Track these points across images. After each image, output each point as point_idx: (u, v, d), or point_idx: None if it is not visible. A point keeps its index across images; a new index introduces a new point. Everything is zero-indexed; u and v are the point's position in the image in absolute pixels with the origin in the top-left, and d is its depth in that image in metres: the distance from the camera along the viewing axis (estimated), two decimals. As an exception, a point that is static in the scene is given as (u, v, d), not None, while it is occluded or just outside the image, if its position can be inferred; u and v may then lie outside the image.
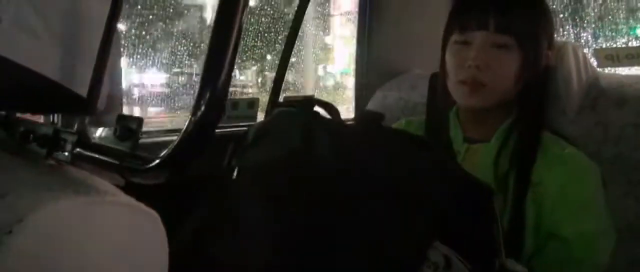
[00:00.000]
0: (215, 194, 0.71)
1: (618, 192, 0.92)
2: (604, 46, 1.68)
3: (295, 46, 1.45)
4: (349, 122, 1.05)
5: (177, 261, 0.40)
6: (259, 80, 2.51)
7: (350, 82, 2.15)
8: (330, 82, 3.03)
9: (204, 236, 0.66)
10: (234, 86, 2.26)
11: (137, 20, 1.68)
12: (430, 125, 0.99)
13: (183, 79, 1.90)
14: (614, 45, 1.69)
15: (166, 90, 1.90)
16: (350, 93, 1.88)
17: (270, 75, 1.89)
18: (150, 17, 1.75)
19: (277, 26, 2.02)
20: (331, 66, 3.03)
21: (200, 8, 2.03)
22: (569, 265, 0.81)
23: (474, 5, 0.87)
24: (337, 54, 2.99)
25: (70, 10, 0.42)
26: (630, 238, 0.90)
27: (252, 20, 1.93)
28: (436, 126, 0.97)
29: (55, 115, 0.51)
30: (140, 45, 1.71)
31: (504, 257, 0.67)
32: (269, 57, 2.25)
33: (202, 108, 0.35)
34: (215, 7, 0.36)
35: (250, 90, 2.49)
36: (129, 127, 0.40)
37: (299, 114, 0.68)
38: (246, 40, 1.96)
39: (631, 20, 1.71)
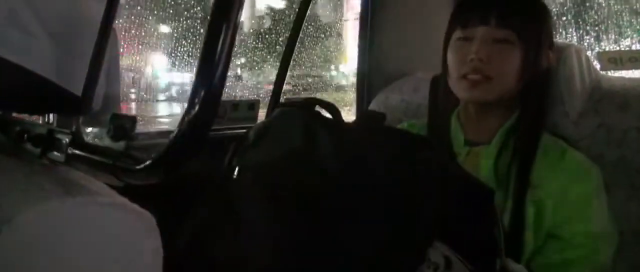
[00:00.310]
0: (216, 194, 0.71)
1: (621, 195, 0.91)
2: (607, 49, 1.67)
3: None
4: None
5: (177, 261, 0.39)
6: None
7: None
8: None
9: (205, 236, 0.66)
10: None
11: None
12: (432, 127, 0.99)
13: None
14: (617, 48, 1.68)
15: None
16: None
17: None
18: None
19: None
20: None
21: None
22: (569, 265, 0.81)
23: (476, 2, 0.89)
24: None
25: (66, 10, 0.42)
26: (633, 242, 0.89)
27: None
28: (438, 128, 0.97)
29: (51, 115, 0.51)
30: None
31: (504, 257, 0.66)
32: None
33: (196, 108, 0.34)
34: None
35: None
36: (123, 127, 0.39)
37: (300, 114, 0.68)
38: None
39: (635, 23, 1.70)
